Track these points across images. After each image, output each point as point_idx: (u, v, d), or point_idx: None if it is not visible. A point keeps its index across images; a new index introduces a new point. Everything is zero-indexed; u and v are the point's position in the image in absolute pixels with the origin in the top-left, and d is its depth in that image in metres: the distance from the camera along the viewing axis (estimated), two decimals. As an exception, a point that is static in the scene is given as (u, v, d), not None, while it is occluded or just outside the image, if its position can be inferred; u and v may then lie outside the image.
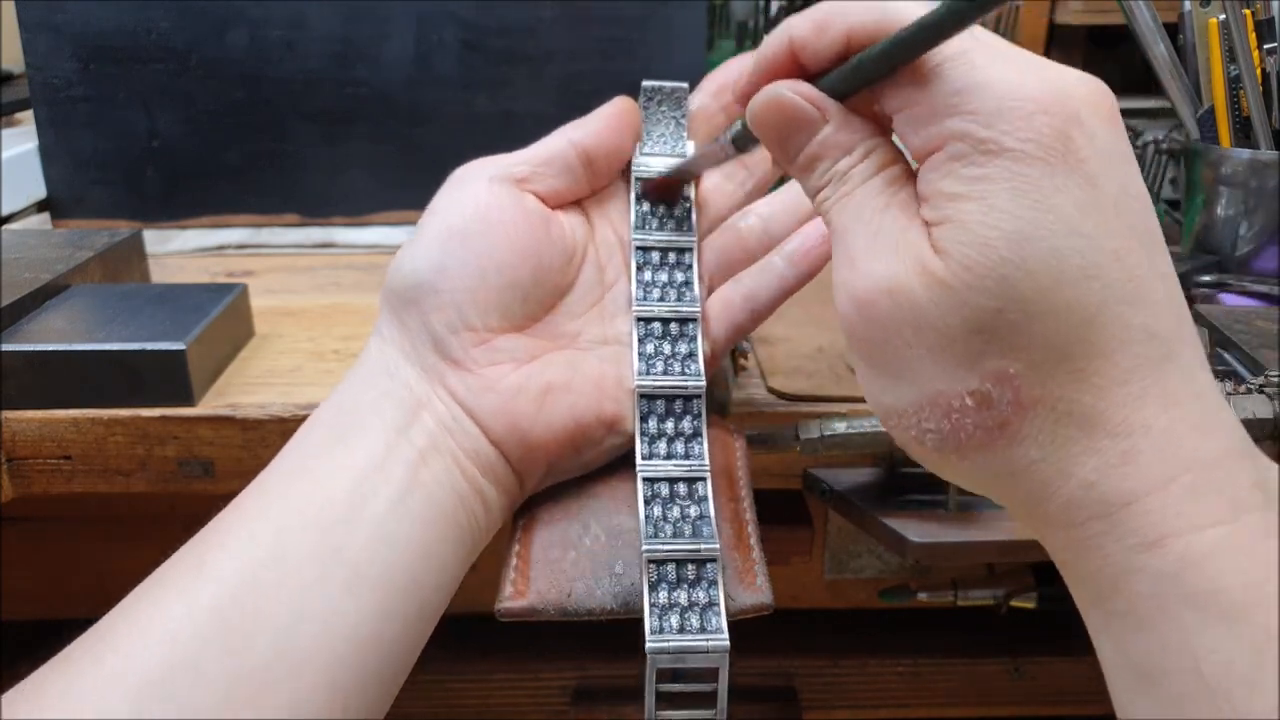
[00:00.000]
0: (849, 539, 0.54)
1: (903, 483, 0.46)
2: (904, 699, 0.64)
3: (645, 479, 0.34)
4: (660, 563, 0.32)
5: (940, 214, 0.25)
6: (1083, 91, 0.25)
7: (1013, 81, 0.24)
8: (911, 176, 0.27)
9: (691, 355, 0.37)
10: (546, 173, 0.36)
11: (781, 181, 0.42)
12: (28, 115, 0.76)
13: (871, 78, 0.27)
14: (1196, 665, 0.22)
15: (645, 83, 0.40)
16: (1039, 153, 0.24)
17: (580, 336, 0.37)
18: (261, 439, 0.47)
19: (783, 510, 0.51)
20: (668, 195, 0.39)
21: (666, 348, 0.37)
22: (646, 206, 0.39)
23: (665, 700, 0.32)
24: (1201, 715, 0.22)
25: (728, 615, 0.32)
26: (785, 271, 0.39)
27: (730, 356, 0.49)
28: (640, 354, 0.36)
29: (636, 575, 0.33)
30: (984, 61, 0.25)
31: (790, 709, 0.60)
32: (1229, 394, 0.41)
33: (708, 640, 0.31)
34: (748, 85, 0.30)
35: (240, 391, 0.49)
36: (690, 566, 0.32)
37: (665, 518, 0.34)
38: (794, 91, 0.28)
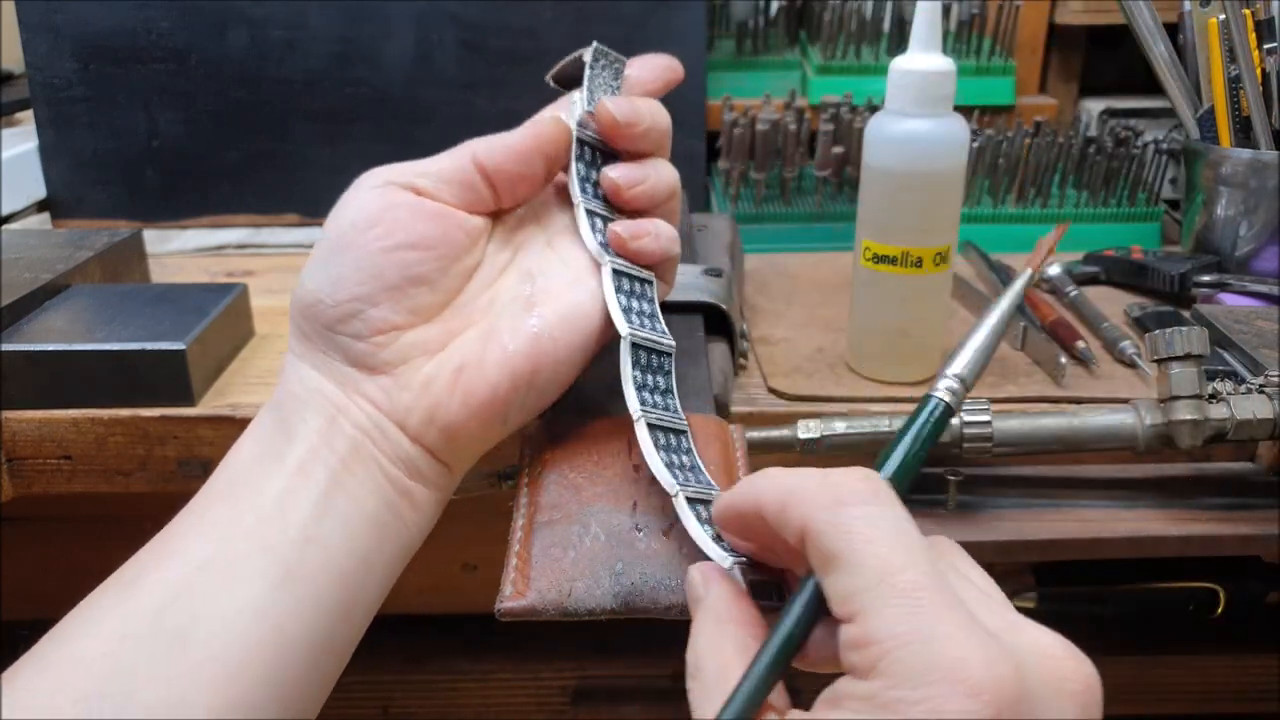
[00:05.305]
0: (849, 539, 0.54)
1: (903, 483, 0.46)
2: (904, 699, 0.64)
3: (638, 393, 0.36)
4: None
5: None
6: None
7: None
8: None
9: (654, 315, 0.37)
10: (445, 190, 0.35)
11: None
12: (28, 115, 0.76)
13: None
14: None
15: (596, 44, 0.41)
16: None
17: (495, 302, 0.36)
18: (261, 439, 0.47)
19: (783, 510, 0.51)
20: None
21: (636, 304, 0.37)
22: (585, 171, 0.38)
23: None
24: None
25: None
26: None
27: (730, 356, 0.49)
28: (623, 309, 0.36)
29: (636, 575, 0.33)
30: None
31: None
32: (1229, 394, 0.41)
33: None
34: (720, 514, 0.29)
35: (240, 391, 0.49)
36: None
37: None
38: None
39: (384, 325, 0.34)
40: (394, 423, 0.34)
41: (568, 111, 0.39)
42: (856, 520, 0.23)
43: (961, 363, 0.34)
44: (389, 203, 0.34)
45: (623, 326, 0.35)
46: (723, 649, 0.26)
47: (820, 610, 0.24)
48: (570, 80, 0.40)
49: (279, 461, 0.32)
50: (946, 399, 0.32)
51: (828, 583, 0.23)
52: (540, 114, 0.39)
